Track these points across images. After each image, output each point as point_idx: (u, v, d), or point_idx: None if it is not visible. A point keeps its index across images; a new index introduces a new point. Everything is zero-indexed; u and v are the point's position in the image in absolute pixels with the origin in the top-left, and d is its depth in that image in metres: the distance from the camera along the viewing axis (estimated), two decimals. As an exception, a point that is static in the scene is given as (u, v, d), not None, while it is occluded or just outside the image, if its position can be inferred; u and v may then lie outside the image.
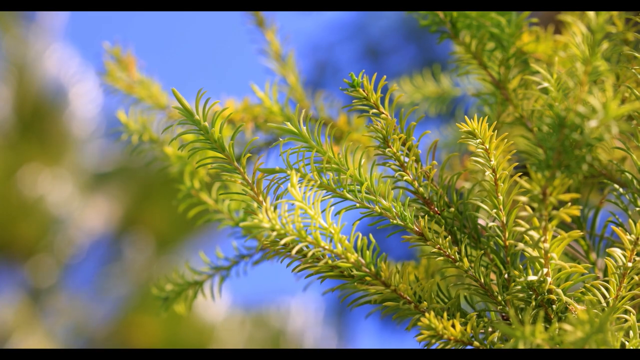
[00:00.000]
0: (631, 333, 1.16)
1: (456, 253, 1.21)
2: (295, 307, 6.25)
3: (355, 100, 1.23)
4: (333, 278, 1.20)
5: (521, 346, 1.03)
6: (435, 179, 1.26)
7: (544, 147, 1.06)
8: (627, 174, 1.29)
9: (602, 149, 1.40)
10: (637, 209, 1.27)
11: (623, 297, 1.18)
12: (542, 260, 1.14)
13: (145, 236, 6.16)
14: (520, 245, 1.14)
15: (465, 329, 1.16)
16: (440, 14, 1.43)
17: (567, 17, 1.37)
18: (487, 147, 1.18)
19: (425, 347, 1.16)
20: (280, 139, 1.23)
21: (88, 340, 5.77)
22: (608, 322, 1.01)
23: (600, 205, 1.40)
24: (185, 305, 1.54)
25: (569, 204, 1.09)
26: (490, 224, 1.23)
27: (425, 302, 1.20)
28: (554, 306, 1.17)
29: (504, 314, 1.21)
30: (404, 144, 1.24)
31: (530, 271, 1.17)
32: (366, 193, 1.21)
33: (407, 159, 1.24)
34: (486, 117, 1.20)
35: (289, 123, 1.21)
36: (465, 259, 1.21)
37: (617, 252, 1.19)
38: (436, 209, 1.25)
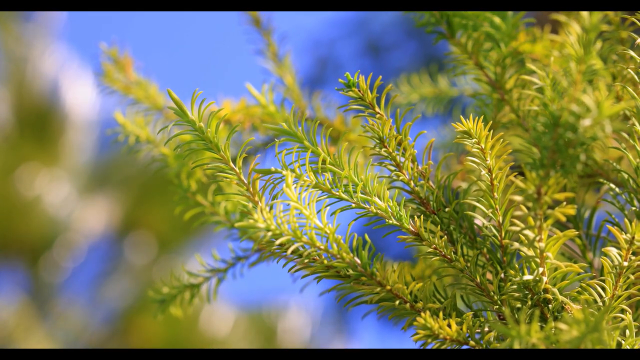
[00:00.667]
0: (627, 332, 1.16)
1: (452, 253, 1.21)
2: (293, 307, 6.25)
3: (351, 100, 1.23)
4: (329, 278, 1.21)
5: (517, 345, 1.03)
6: (431, 179, 1.26)
7: (539, 146, 1.06)
8: (623, 173, 1.29)
9: (598, 148, 1.40)
10: (633, 208, 1.27)
11: (619, 297, 1.18)
12: (538, 260, 1.14)
13: (146, 238, 6.16)
14: (516, 244, 1.15)
15: (461, 329, 1.16)
16: (437, 13, 1.43)
17: (561, 16, 1.37)
18: (483, 146, 1.19)
19: (422, 347, 1.16)
20: (276, 140, 1.23)
21: (88, 340, 5.77)
22: (604, 321, 1.01)
23: (596, 205, 1.40)
24: (182, 308, 1.53)
25: (564, 203, 1.09)
26: (486, 223, 1.23)
27: (421, 302, 1.20)
28: (549, 305, 1.17)
29: (500, 314, 1.21)
30: (399, 144, 1.24)
31: (526, 270, 1.17)
32: (362, 193, 1.21)
33: (403, 159, 1.24)
34: (482, 117, 1.20)
35: (284, 123, 1.21)
36: (461, 259, 1.21)
37: (613, 251, 1.19)
38: (432, 208, 1.25)
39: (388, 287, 1.19)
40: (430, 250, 1.21)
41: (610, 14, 1.39)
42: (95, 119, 6.15)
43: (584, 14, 1.06)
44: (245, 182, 1.19)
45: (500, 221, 1.20)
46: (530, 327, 1.03)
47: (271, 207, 1.16)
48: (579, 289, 1.19)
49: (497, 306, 1.20)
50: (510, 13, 1.41)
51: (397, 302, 1.19)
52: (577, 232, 1.18)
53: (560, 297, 1.16)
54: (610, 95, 1.02)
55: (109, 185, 6.15)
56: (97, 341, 5.71)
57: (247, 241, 1.52)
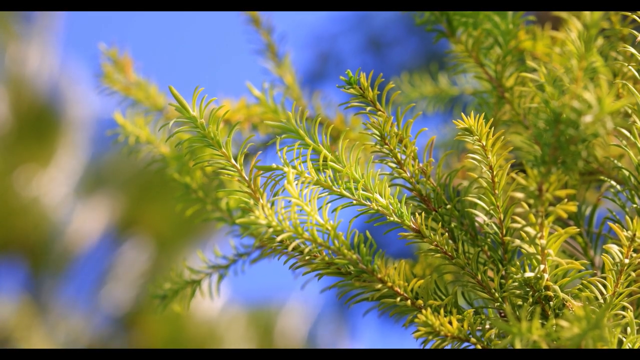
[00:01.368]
0: (628, 329, 1.16)
1: (453, 250, 1.21)
2: (295, 303, 6.25)
3: (352, 97, 1.23)
4: (330, 275, 1.21)
5: (518, 343, 1.03)
6: (432, 176, 1.26)
7: (540, 143, 1.06)
8: (624, 171, 1.29)
9: (599, 146, 1.40)
10: (635, 206, 1.27)
11: (620, 294, 1.18)
12: (539, 257, 1.14)
13: (145, 237, 6.16)
14: (517, 241, 1.15)
15: (462, 326, 1.16)
16: (436, 12, 1.43)
17: (563, 13, 1.37)
18: (484, 144, 1.19)
19: (423, 344, 1.16)
20: (277, 137, 1.23)
21: (88, 340, 5.77)
22: (605, 318, 1.01)
23: (597, 203, 1.40)
24: (183, 304, 1.53)
25: (565, 200, 1.09)
26: (488, 220, 1.23)
27: (422, 299, 1.20)
28: (551, 303, 1.17)
29: (501, 311, 1.21)
30: (400, 142, 1.24)
31: (527, 268, 1.17)
32: (363, 190, 1.21)
33: (404, 157, 1.24)
34: (483, 114, 1.20)
35: (285, 120, 1.21)
36: (462, 256, 1.21)
37: (614, 248, 1.19)
38: (433, 206, 1.25)
39: (389, 284, 1.19)
40: (431, 247, 1.21)
41: (611, 12, 1.39)
42: (94, 119, 6.15)
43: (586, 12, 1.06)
44: (247, 179, 1.19)
45: (502, 218, 1.20)
46: (531, 324, 1.03)
47: (272, 204, 1.16)
48: (580, 286, 1.19)
49: (498, 303, 1.20)
50: (510, 12, 1.41)
51: (398, 299, 1.19)
52: (578, 230, 1.18)
53: (562, 295, 1.16)
54: (611, 92, 1.02)
55: (108, 185, 6.15)
56: (97, 341, 5.71)
57: (248, 238, 1.52)
